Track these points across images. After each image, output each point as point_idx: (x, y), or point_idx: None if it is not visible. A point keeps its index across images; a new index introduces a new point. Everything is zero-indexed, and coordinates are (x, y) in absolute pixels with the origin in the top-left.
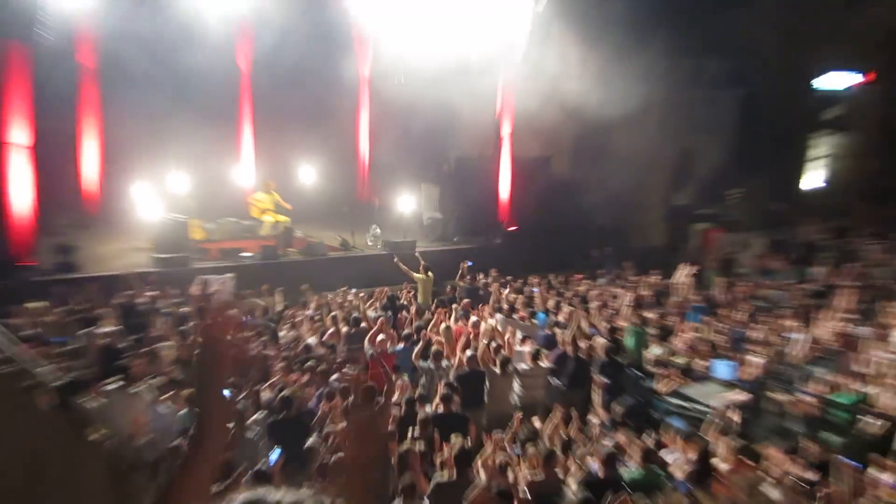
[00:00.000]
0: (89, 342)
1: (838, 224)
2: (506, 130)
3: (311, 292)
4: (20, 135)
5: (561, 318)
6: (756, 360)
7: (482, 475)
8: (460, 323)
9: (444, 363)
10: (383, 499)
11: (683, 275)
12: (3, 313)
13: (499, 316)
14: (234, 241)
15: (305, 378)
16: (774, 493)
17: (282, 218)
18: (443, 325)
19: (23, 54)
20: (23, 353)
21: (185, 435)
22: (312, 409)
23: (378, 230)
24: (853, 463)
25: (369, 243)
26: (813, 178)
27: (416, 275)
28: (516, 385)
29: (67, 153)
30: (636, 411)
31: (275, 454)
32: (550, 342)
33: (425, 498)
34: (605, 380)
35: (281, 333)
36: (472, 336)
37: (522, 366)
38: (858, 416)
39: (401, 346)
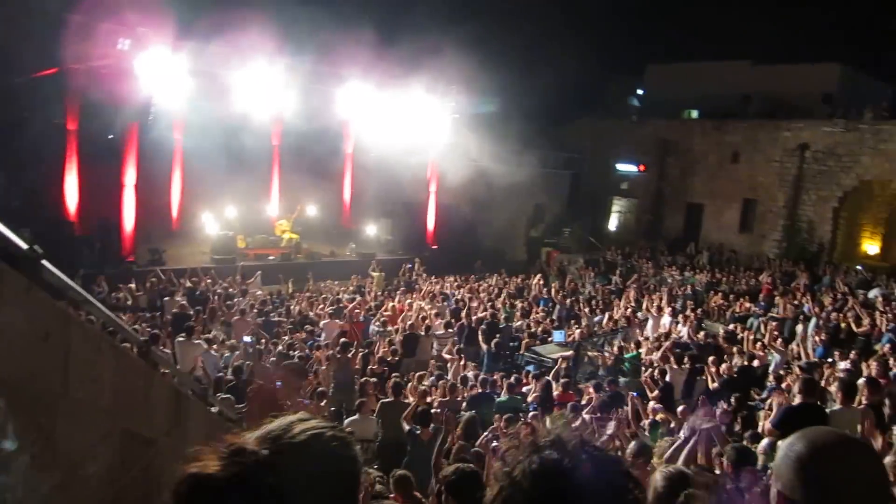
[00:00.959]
0: (167, 309)
1: (626, 250)
2: (433, 187)
3: (310, 282)
4: (130, 178)
5: (462, 300)
6: (577, 331)
7: (411, 398)
8: (401, 303)
9: (390, 328)
10: (350, 413)
11: (534, 280)
12: (115, 290)
13: (426, 300)
14: (264, 249)
15: (304, 335)
16: (587, 417)
17: (294, 235)
18: (390, 304)
19: (137, 130)
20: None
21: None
22: (308, 356)
23: (353, 245)
24: (636, 394)
25: (348, 253)
26: (612, 222)
27: (374, 273)
28: (434, 343)
29: (161, 191)
30: (506, 360)
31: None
32: (456, 316)
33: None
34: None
35: (291, 306)
36: (408, 312)
37: (439, 332)
38: (637, 366)
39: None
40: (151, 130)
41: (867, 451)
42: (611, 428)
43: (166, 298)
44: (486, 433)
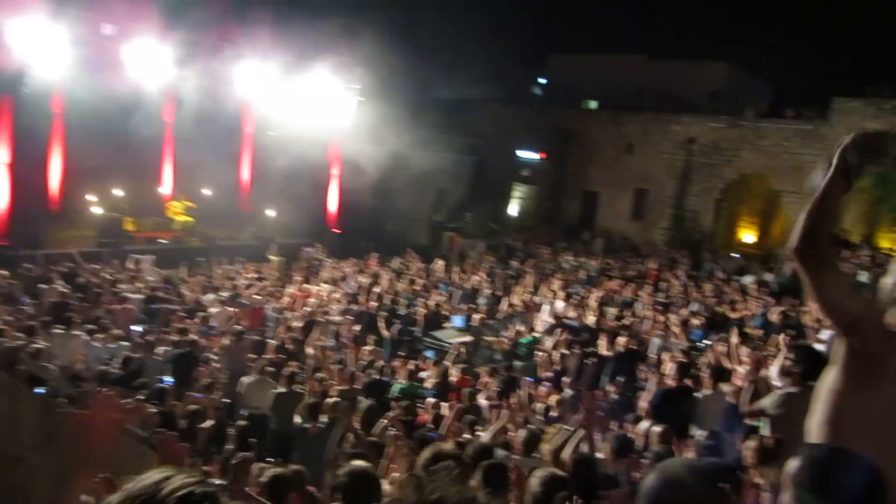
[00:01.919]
0: (44, 298)
1: (526, 236)
2: (335, 170)
3: (205, 267)
4: (3, 156)
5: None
6: (476, 316)
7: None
8: (301, 289)
9: (288, 315)
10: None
11: (436, 264)
12: None
13: (325, 285)
14: (155, 232)
15: (199, 321)
16: (483, 401)
17: (189, 218)
18: (288, 290)
19: (10, 103)
20: None
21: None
22: (203, 344)
23: (252, 228)
24: (530, 380)
25: (246, 237)
26: (513, 208)
27: (273, 258)
28: (333, 329)
29: (39, 169)
30: (407, 346)
31: (169, 379)
32: (356, 301)
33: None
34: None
35: (183, 292)
36: (308, 298)
37: (337, 318)
38: (532, 350)
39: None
40: (27, 103)
41: (708, 483)
42: (504, 415)
43: (43, 286)
44: (382, 420)
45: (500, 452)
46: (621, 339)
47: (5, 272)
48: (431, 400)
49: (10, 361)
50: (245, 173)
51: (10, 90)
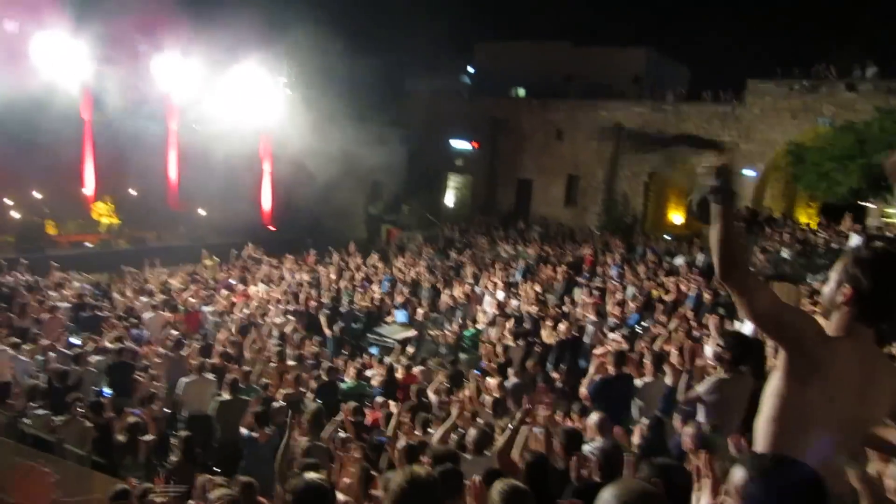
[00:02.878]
0: None
1: (463, 226)
2: (266, 166)
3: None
4: None
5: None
6: (420, 311)
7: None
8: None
9: (227, 318)
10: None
11: (371, 259)
12: None
13: (262, 285)
14: (80, 236)
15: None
16: (433, 397)
17: (115, 220)
18: (224, 292)
19: None
20: None
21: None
22: (137, 352)
23: (182, 229)
24: (477, 372)
25: (176, 239)
26: (449, 198)
27: (207, 262)
28: (275, 331)
29: None
30: (350, 344)
31: (106, 390)
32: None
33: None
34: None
35: (115, 297)
36: (245, 300)
37: (278, 319)
38: (476, 342)
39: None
40: None
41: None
42: (455, 409)
43: None
44: (330, 425)
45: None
46: (562, 327)
47: None
48: (380, 399)
49: None
50: (172, 171)
51: None
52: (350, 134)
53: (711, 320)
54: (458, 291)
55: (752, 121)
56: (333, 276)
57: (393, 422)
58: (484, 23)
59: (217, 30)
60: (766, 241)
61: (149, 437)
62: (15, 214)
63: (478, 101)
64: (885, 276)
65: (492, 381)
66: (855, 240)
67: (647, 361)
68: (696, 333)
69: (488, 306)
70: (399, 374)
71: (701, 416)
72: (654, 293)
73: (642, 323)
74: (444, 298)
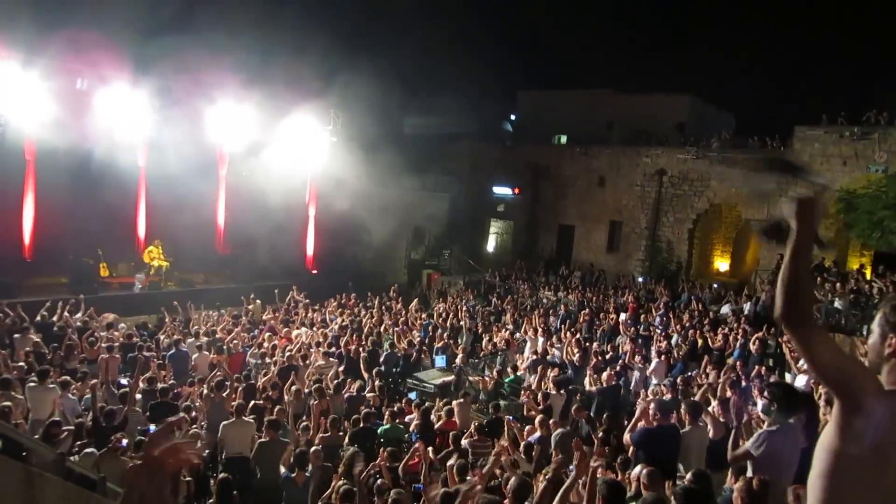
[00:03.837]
0: (18, 348)
1: (503, 272)
2: (311, 211)
3: (182, 312)
4: None
5: (343, 327)
6: (460, 356)
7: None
8: (280, 333)
9: (268, 360)
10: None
11: (412, 305)
12: None
13: (304, 328)
14: (130, 278)
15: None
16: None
17: (164, 262)
18: (267, 335)
19: None
20: None
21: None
22: (179, 392)
23: (229, 272)
24: (513, 419)
25: (223, 281)
26: (490, 244)
27: (250, 306)
28: (316, 374)
29: (12, 217)
30: (390, 388)
31: (152, 428)
32: (337, 344)
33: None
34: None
35: (160, 338)
36: (287, 343)
37: (320, 362)
38: (517, 389)
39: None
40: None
41: None
42: (491, 459)
43: (17, 336)
44: (368, 469)
45: None
46: (604, 375)
47: None
48: (418, 444)
49: None
50: (221, 216)
51: None
52: (393, 180)
53: (758, 371)
54: (498, 337)
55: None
56: (374, 321)
57: (425, 468)
58: (526, 72)
59: (267, 78)
60: (817, 290)
61: (188, 479)
62: (70, 257)
63: (520, 148)
64: None
65: (530, 430)
66: None
67: (686, 411)
68: (743, 384)
69: (528, 353)
70: (436, 420)
71: (750, 471)
72: (700, 342)
73: (687, 373)
74: (484, 344)
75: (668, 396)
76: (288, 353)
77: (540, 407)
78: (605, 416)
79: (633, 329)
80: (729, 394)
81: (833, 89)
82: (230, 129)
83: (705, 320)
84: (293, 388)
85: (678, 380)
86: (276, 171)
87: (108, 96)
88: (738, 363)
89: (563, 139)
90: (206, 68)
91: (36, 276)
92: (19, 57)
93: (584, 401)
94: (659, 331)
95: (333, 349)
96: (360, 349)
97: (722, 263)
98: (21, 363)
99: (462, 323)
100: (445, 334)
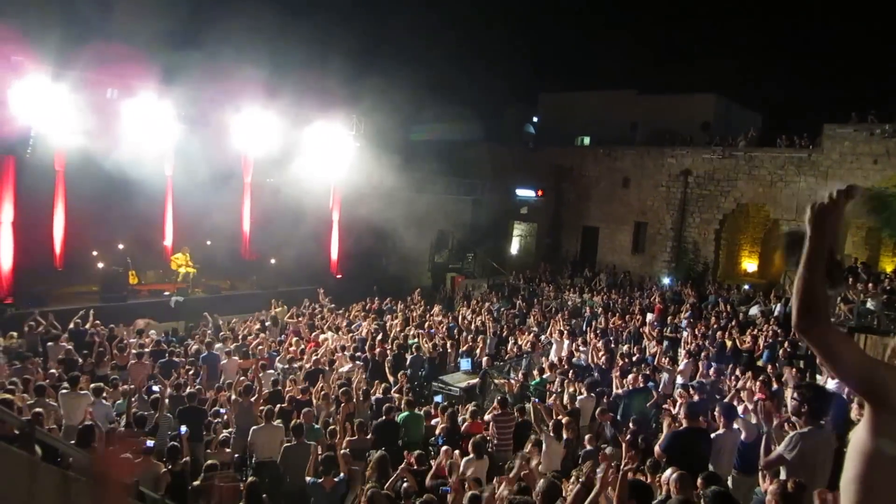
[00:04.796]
0: (51, 356)
1: (528, 275)
2: (335, 215)
3: (209, 318)
4: (7, 215)
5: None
6: (485, 359)
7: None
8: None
9: (295, 364)
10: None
11: (435, 309)
12: None
13: (330, 333)
14: (158, 285)
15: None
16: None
17: (192, 269)
18: (293, 339)
19: (13, 163)
20: None
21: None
22: (207, 399)
23: (255, 277)
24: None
25: (249, 287)
26: (514, 246)
27: (276, 310)
28: (342, 378)
29: (43, 227)
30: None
31: (183, 429)
32: (363, 348)
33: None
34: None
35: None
36: (314, 346)
37: (345, 367)
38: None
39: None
40: (30, 163)
41: None
42: (517, 462)
43: (50, 344)
44: (395, 474)
45: None
46: (630, 377)
47: (13, 332)
48: (445, 448)
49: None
50: (246, 222)
51: (13, 151)
52: (416, 184)
53: (788, 373)
54: (523, 340)
55: (831, 166)
56: (399, 324)
57: (455, 474)
58: (548, 74)
59: (292, 88)
60: (849, 291)
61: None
62: (100, 265)
63: (542, 151)
64: None
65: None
66: None
67: (720, 413)
68: (774, 387)
69: (554, 355)
70: (463, 423)
71: (784, 474)
72: (728, 344)
73: (714, 375)
74: (510, 347)
75: (696, 398)
76: (315, 358)
77: (568, 409)
78: (631, 418)
79: (658, 331)
80: (760, 396)
81: (863, 87)
82: (254, 136)
83: (733, 322)
84: (320, 392)
85: (707, 382)
86: (301, 177)
87: (135, 106)
88: (767, 365)
89: (586, 141)
90: (230, 77)
91: (67, 285)
92: (49, 70)
93: (611, 404)
94: (685, 332)
95: (359, 353)
96: (387, 353)
97: (750, 264)
98: (53, 371)
99: (486, 325)
100: (470, 337)
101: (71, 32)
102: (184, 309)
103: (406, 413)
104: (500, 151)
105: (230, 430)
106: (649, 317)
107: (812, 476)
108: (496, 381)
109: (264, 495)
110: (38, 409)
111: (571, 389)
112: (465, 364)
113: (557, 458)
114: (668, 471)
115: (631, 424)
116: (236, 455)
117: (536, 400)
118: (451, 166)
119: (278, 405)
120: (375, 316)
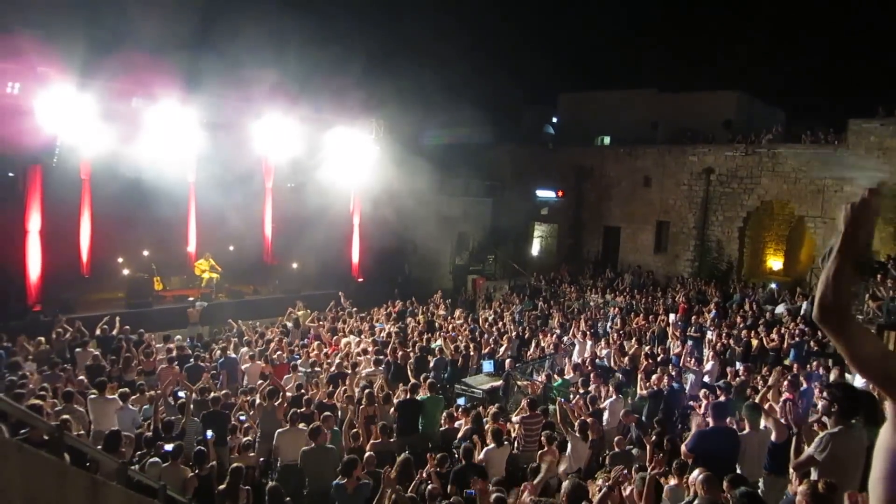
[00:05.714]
0: (79, 362)
1: (549, 276)
2: (356, 219)
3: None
4: (35, 223)
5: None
6: (508, 361)
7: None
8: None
9: (318, 368)
10: None
11: (458, 314)
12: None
13: (352, 336)
14: (183, 291)
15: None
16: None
17: (215, 275)
18: (315, 343)
19: (40, 172)
20: None
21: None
22: (231, 403)
23: (277, 282)
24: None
25: (272, 291)
26: (535, 248)
27: (299, 312)
28: (364, 381)
29: (69, 235)
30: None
31: (209, 434)
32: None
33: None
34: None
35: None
36: (337, 350)
37: (368, 370)
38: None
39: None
40: (56, 172)
41: None
42: (545, 461)
43: (78, 350)
44: (418, 477)
45: None
46: (654, 378)
47: (41, 338)
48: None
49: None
50: (268, 227)
51: (39, 160)
52: (436, 186)
53: (818, 372)
54: (545, 341)
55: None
56: (421, 327)
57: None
58: (568, 74)
59: (313, 93)
60: (878, 288)
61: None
62: (125, 272)
63: (562, 151)
64: None
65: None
66: None
67: (746, 414)
68: (803, 387)
69: (577, 356)
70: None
71: (815, 475)
72: (754, 343)
73: (744, 374)
74: (532, 348)
75: (722, 398)
76: (337, 361)
77: (590, 410)
78: (655, 420)
79: (682, 331)
80: (788, 395)
81: (888, 80)
82: (276, 141)
83: (759, 321)
84: (343, 395)
85: (734, 381)
86: (322, 181)
87: (158, 114)
88: (794, 364)
89: (607, 140)
90: (252, 83)
91: (94, 292)
92: (74, 79)
93: (635, 405)
94: (710, 332)
95: (381, 357)
96: (409, 355)
97: (775, 262)
98: (82, 377)
99: (508, 327)
100: (492, 339)
101: (95, 42)
102: (207, 314)
103: (427, 395)
104: (520, 152)
105: (255, 434)
106: (672, 317)
107: (844, 476)
108: (519, 382)
109: (287, 498)
110: (65, 416)
111: (593, 388)
112: (487, 366)
113: (583, 459)
114: (696, 472)
115: (656, 425)
116: (261, 459)
117: (563, 400)
118: (470, 168)
119: (302, 409)
120: (397, 318)
